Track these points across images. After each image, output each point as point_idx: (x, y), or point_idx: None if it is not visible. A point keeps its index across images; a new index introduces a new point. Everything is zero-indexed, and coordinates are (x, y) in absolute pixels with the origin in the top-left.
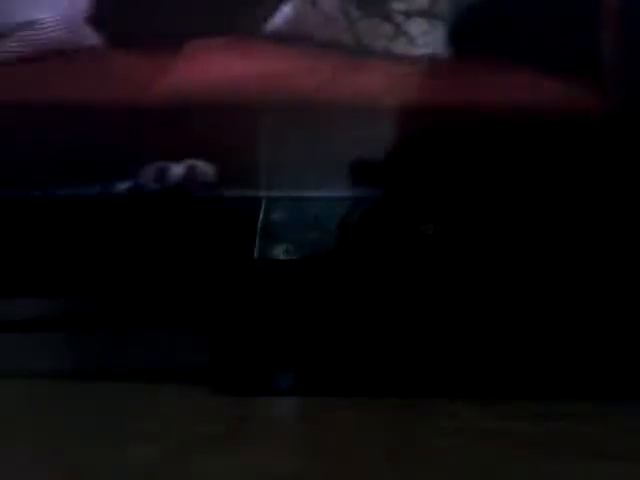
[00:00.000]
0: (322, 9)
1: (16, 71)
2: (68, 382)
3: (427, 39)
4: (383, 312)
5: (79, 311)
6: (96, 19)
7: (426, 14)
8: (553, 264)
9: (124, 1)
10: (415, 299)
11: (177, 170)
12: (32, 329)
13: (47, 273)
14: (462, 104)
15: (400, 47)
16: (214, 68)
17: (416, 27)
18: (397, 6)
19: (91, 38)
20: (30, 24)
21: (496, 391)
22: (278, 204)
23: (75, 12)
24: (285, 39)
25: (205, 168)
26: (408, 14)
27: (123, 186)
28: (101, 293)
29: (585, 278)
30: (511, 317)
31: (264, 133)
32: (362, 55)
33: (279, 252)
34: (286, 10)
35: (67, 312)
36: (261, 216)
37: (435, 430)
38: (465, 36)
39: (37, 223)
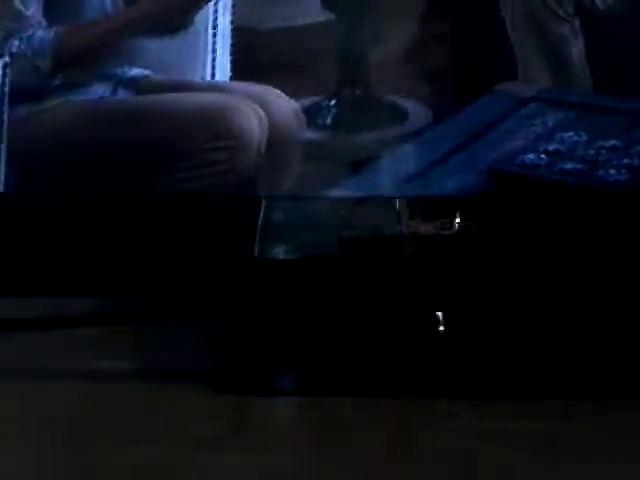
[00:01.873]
0: None
1: None
2: (68, 382)
3: None
4: (383, 312)
5: (78, 310)
6: None
7: None
8: (552, 265)
9: None
10: (414, 300)
11: None
12: (32, 329)
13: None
14: None
15: None
16: None
17: None
18: None
19: None
20: None
21: (496, 391)
22: None
23: None
24: None
25: None
26: None
27: None
28: (101, 291)
29: (582, 279)
30: (511, 318)
31: None
32: None
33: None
34: None
35: (67, 311)
36: None
37: (435, 430)
38: None
39: None
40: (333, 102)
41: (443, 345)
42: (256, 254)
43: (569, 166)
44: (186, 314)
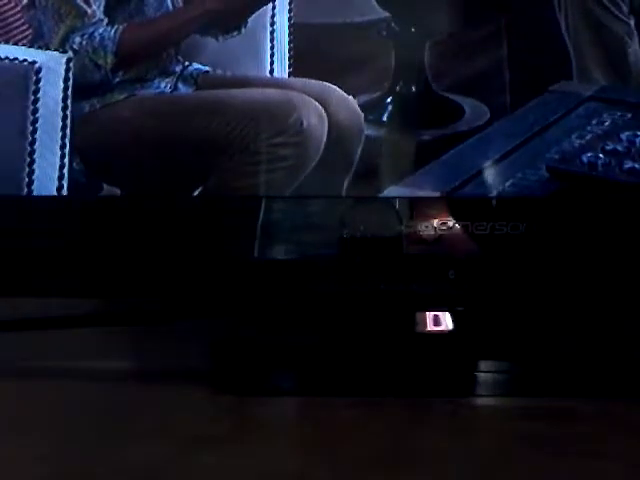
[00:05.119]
0: None
1: None
2: (68, 382)
3: None
4: (383, 312)
5: (79, 310)
6: None
7: None
8: (553, 263)
9: None
10: (414, 298)
11: None
12: (32, 328)
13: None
14: None
15: None
16: None
17: None
18: None
19: None
20: None
21: (496, 391)
22: None
23: None
24: None
25: None
26: None
27: None
28: (101, 291)
29: (582, 277)
30: (510, 316)
31: None
32: None
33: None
34: None
35: (67, 311)
36: None
37: (435, 430)
38: None
39: None
40: (389, 99)
41: (444, 345)
42: (256, 254)
43: (627, 165)
44: (186, 314)
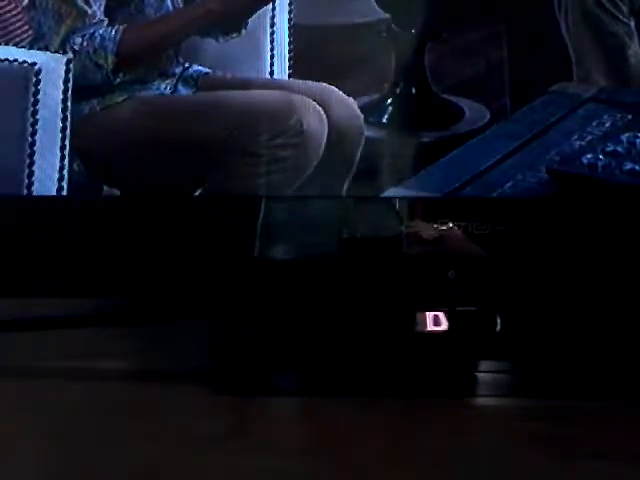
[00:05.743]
0: None
1: None
2: (68, 382)
3: None
4: (383, 312)
5: (79, 310)
6: None
7: None
8: (553, 263)
9: None
10: (414, 298)
11: None
12: (32, 328)
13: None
14: None
15: None
16: None
17: None
18: None
19: None
20: None
21: (496, 391)
22: None
23: None
24: None
25: None
26: None
27: None
28: (101, 291)
29: (583, 277)
30: (511, 316)
31: None
32: None
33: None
34: None
35: (67, 311)
36: None
37: (435, 430)
38: None
39: None
40: (389, 101)
41: (444, 345)
42: (256, 254)
43: (628, 167)
44: (186, 314)
